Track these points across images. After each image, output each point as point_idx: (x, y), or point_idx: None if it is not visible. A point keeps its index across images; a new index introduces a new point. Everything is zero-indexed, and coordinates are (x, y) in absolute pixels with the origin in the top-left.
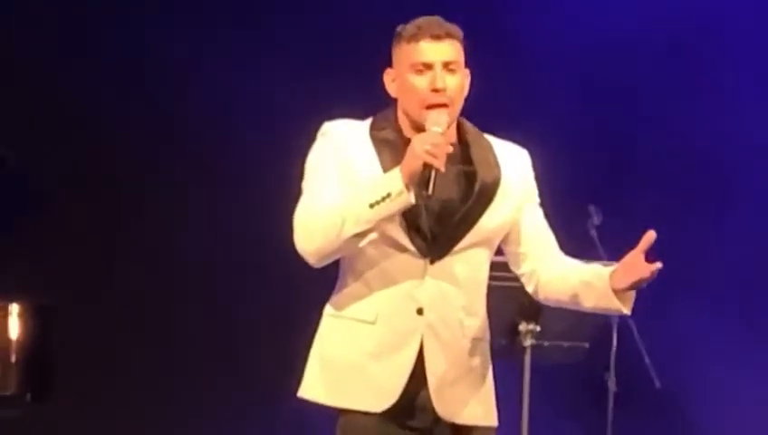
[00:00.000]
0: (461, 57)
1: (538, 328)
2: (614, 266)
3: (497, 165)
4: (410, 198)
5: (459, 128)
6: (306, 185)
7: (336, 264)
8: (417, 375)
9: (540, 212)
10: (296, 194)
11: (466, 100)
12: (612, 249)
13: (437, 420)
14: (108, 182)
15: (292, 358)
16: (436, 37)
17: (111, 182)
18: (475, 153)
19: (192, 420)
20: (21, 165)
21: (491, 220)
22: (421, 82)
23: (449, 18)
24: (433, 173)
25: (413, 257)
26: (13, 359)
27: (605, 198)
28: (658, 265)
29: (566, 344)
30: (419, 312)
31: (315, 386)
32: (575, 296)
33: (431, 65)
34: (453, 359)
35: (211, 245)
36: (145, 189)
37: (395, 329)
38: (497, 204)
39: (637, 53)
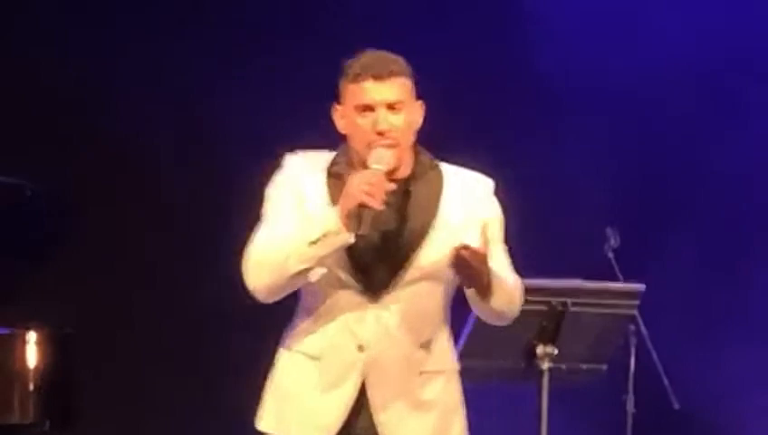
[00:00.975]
0: (406, 94)
1: (556, 351)
2: None
3: (434, 204)
4: (348, 238)
5: (416, 160)
6: (263, 217)
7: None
8: (362, 410)
9: (498, 250)
10: None
11: (423, 130)
12: (629, 272)
13: None
14: (127, 208)
15: None
16: (379, 78)
17: (130, 208)
18: (416, 191)
19: None
20: (38, 193)
21: (427, 256)
22: (365, 123)
23: (478, 59)
24: (367, 212)
25: (355, 293)
26: (31, 387)
27: (622, 221)
28: (463, 244)
29: (584, 367)
30: (360, 348)
31: (268, 417)
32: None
33: (374, 107)
34: (401, 394)
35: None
36: (167, 215)
37: (336, 365)
38: (433, 240)
39: (665, 89)
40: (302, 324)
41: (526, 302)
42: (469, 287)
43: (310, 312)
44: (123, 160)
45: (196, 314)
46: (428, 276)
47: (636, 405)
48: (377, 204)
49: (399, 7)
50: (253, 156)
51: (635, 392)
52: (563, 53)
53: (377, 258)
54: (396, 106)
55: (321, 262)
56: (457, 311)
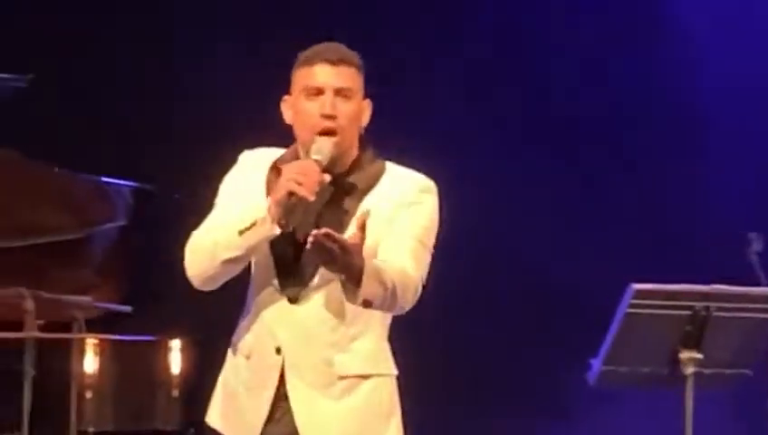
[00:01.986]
0: (357, 85)
1: (700, 356)
2: None
3: (361, 197)
4: (273, 228)
5: (359, 156)
6: (214, 206)
7: None
8: (285, 414)
9: (399, 233)
10: None
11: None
12: None
13: None
14: None
15: None
16: (331, 62)
17: None
18: (348, 185)
19: None
20: (168, 200)
21: None
22: (312, 106)
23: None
24: (296, 203)
25: (276, 292)
26: (175, 393)
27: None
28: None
29: (728, 372)
30: (278, 350)
31: (213, 413)
32: None
33: (323, 90)
34: (321, 398)
35: None
36: None
37: (260, 365)
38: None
39: None
40: (240, 322)
41: (666, 307)
42: (333, 272)
43: (247, 310)
44: None
45: None
46: None
47: None
48: (307, 194)
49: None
50: None
51: None
52: (698, 57)
53: (298, 254)
54: (345, 93)
55: (250, 252)
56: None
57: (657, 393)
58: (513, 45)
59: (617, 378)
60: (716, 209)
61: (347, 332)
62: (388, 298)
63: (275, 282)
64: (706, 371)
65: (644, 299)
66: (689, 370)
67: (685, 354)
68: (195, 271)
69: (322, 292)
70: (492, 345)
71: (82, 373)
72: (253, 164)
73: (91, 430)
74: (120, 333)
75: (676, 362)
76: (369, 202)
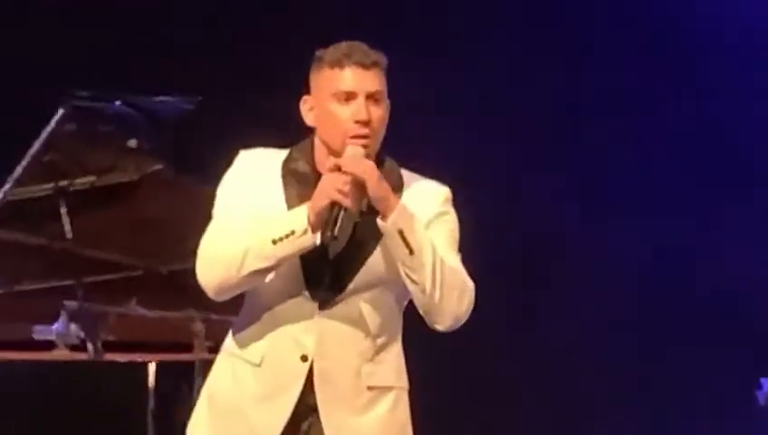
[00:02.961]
0: (385, 87)
1: None
2: None
3: None
4: (314, 238)
5: (377, 163)
6: (214, 215)
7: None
8: (312, 425)
9: (440, 243)
10: None
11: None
12: None
13: None
14: None
15: None
16: (363, 65)
17: None
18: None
19: None
20: None
21: (379, 262)
22: (343, 111)
23: None
24: (341, 213)
25: (303, 300)
26: None
27: None
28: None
29: None
30: (304, 358)
31: (199, 424)
32: None
33: (356, 94)
34: (350, 408)
35: None
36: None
37: (277, 374)
38: (384, 245)
39: None
40: (245, 327)
41: None
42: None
43: (255, 315)
44: None
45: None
46: (380, 283)
47: None
48: (351, 204)
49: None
50: None
51: None
52: None
53: (327, 263)
54: (377, 97)
55: (281, 263)
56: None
57: None
58: None
59: None
60: None
61: (375, 342)
62: (437, 267)
63: (302, 289)
64: None
65: None
66: None
67: None
68: (212, 280)
69: (355, 299)
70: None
71: None
72: (255, 166)
73: None
74: None
75: None
76: None
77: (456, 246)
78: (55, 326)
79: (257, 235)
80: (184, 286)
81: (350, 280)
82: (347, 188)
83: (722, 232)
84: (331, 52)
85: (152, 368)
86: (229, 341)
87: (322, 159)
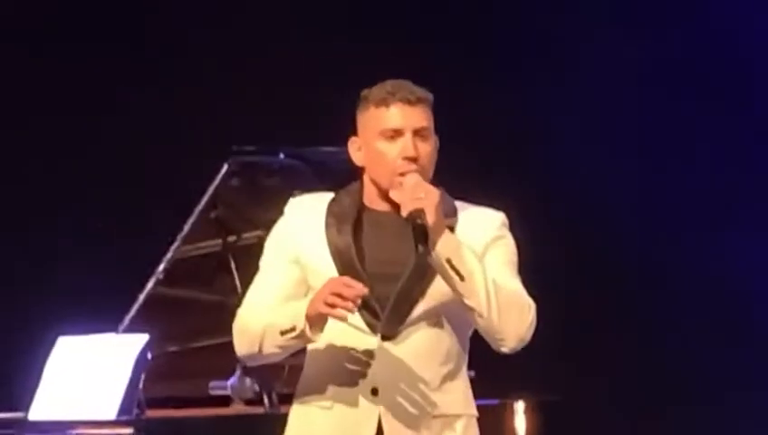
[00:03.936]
0: (432, 123)
1: None
2: None
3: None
4: (312, 337)
5: None
6: (259, 269)
7: None
8: None
9: (497, 266)
10: None
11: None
12: None
13: None
14: None
15: None
16: (408, 102)
17: None
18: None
19: None
20: None
21: (440, 290)
22: (391, 149)
23: None
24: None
25: (365, 333)
26: None
27: None
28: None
29: None
30: (374, 392)
31: None
32: None
33: (402, 132)
34: None
35: None
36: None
37: (350, 413)
38: None
39: None
40: (310, 373)
41: None
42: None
43: (318, 359)
44: None
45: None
46: (442, 312)
47: None
48: (343, 316)
49: None
50: None
51: None
52: None
53: (387, 294)
54: (423, 134)
55: (294, 349)
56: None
57: None
58: None
59: None
60: None
61: (440, 370)
62: (491, 289)
63: (359, 321)
64: None
65: None
66: None
67: None
68: (240, 351)
69: (418, 328)
70: None
71: None
72: (301, 216)
73: None
74: None
75: None
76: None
77: (513, 267)
78: (231, 381)
79: (272, 322)
80: None
81: (412, 310)
82: (336, 300)
83: None
84: (376, 91)
85: None
86: (299, 389)
87: (372, 198)
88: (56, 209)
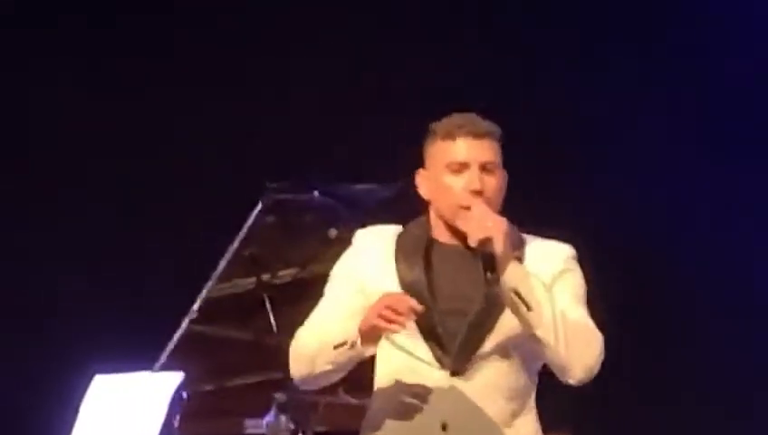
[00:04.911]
0: (499, 157)
1: None
2: None
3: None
4: (363, 351)
5: None
6: (324, 295)
7: None
8: None
9: (565, 298)
10: None
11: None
12: None
13: None
14: None
15: None
16: (475, 135)
17: None
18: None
19: None
20: None
21: (508, 325)
22: (457, 182)
23: None
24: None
25: (433, 368)
26: None
27: None
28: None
29: None
30: (444, 427)
31: None
32: None
33: (468, 165)
34: None
35: None
36: None
37: None
38: None
39: None
40: (378, 410)
41: None
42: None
43: (386, 394)
44: None
45: None
46: (510, 346)
47: None
48: (392, 329)
49: None
50: None
51: None
52: None
53: (456, 329)
54: (489, 166)
55: (347, 366)
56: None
57: None
58: None
59: None
60: None
61: (508, 406)
62: (558, 320)
63: (428, 355)
64: None
65: None
66: None
67: None
68: (297, 374)
69: (487, 363)
70: None
71: None
72: (369, 246)
73: None
74: None
75: None
76: None
77: (581, 299)
78: (266, 419)
79: (325, 339)
80: None
81: (481, 345)
82: (393, 315)
83: None
84: (444, 124)
85: None
86: (364, 424)
87: (440, 232)
88: (95, 244)
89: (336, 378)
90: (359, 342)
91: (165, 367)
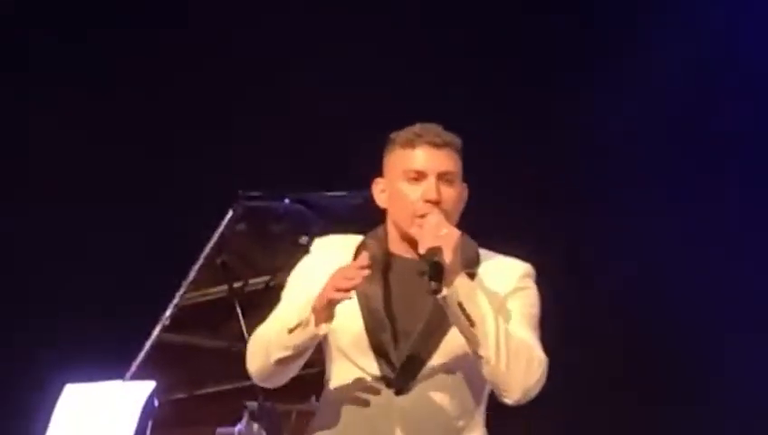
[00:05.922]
0: (458, 168)
1: None
2: None
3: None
4: (317, 330)
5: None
6: (281, 299)
7: None
8: None
9: (514, 317)
10: None
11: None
12: None
13: None
14: None
15: None
16: (434, 145)
17: None
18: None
19: None
20: None
21: (457, 341)
22: (414, 191)
23: None
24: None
25: (379, 386)
26: None
27: None
28: None
29: None
30: None
31: None
32: None
33: (426, 174)
34: None
35: None
36: None
37: None
38: None
39: None
40: (322, 424)
41: None
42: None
43: (332, 407)
44: None
45: None
46: (455, 364)
47: None
48: (345, 296)
49: None
50: None
51: None
52: None
53: (401, 345)
54: (448, 177)
55: (300, 352)
56: None
57: None
58: None
59: None
60: None
61: (453, 425)
62: (501, 338)
63: (377, 373)
64: None
65: None
66: None
67: None
68: (252, 367)
69: (432, 382)
70: None
71: None
72: (326, 253)
73: None
74: None
75: None
76: None
77: (531, 319)
78: (238, 428)
79: (280, 327)
80: None
81: (425, 364)
82: (344, 283)
83: None
84: (404, 133)
85: None
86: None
87: (396, 242)
88: (63, 255)
89: (291, 371)
90: (312, 320)
91: (136, 376)
